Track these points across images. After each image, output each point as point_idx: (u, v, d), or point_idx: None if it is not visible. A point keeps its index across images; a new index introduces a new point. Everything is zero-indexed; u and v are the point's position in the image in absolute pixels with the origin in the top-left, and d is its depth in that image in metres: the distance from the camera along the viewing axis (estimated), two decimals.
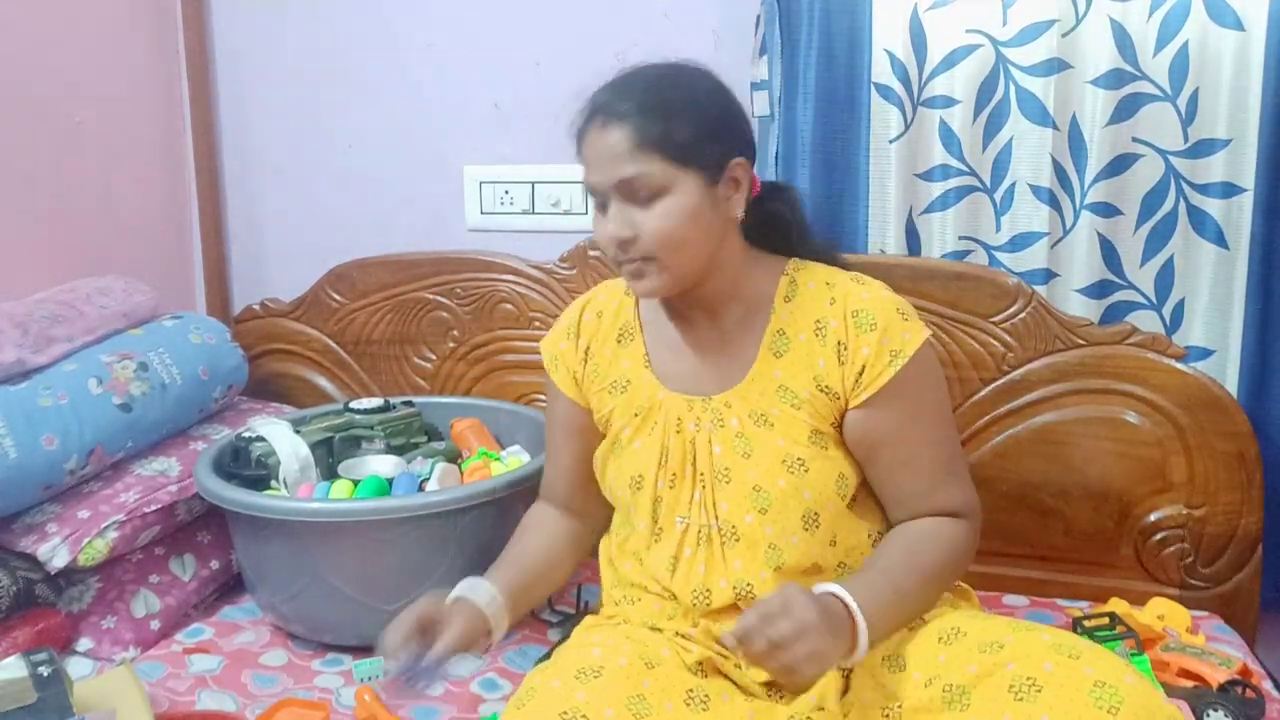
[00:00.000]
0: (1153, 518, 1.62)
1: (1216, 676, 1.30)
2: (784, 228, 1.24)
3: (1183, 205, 1.63)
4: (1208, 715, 1.24)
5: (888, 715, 1.07)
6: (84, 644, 1.51)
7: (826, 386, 1.16)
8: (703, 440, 1.19)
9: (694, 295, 1.19)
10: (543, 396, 1.87)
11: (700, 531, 1.18)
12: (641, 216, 1.11)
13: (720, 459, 1.18)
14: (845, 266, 1.25)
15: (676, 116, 1.10)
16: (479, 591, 1.18)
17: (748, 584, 1.15)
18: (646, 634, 1.17)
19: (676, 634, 1.19)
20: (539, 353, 1.35)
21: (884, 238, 1.73)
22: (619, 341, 1.27)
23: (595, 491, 1.31)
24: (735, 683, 1.16)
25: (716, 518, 1.17)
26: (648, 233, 1.10)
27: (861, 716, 1.09)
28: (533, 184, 1.95)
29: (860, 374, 1.15)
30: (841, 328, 1.16)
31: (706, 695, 1.08)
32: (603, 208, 1.14)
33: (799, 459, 1.15)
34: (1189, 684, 1.32)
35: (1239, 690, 1.27)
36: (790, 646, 0.97)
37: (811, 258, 1.24)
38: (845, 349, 1.15)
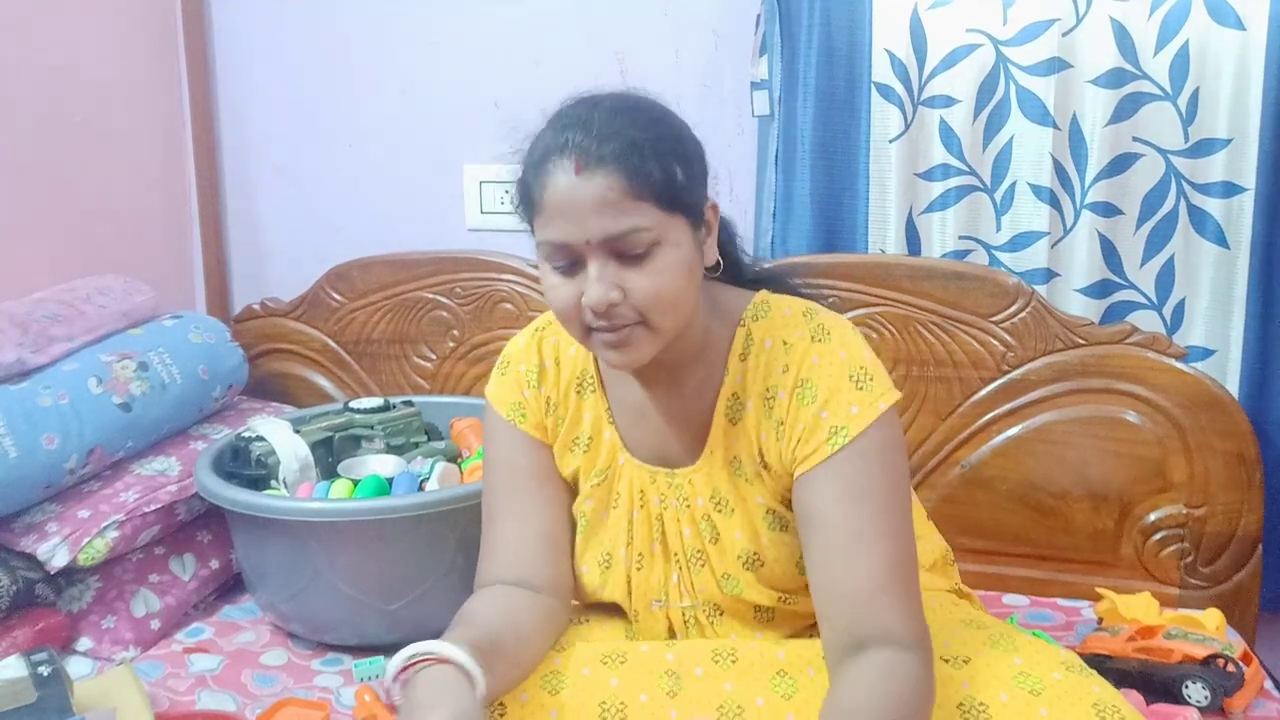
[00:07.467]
0: (1152, 517, 1.62)
1: (1201, 652, 1.33)
2: (732, 268, 1.12)
3: (1183, 205, 1.63)
4: (1187, 686, 1.27)
5: None
6: (84, 643, 1.51)
7: (766, 463, 1.04)
8: (671, 519, 1.09)
9: (659, 356, 1.00)
10: None
11: (685, 614, 1.11)
12: (631, 275, 0.94)
13: (690, 541, 1.09)
14: (789, 289, 1.13)
15: (665, 155, 0.94)
16: (444, 650, 0.92)
17: (752, 641, 1.09)
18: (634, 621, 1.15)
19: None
20: None
21: (884, 237, 1.73)
22: (578, 392, 1.12)
23: (568, 553, 1.14)
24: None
25: (696, 599, 1.10)
26: (641, 294, 0.94)
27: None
28: None
29: (795, 447, 1.01)
30: (786, 401, 1.02)
31: (733, 650, 1.05)
32: (570, 269, 0.96)
33: (755, 554, 1.06)
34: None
35: (1220, 663, 1.30)
36: None
37: (753, 288, 1.11)
38: (783, 425, 1.02)
